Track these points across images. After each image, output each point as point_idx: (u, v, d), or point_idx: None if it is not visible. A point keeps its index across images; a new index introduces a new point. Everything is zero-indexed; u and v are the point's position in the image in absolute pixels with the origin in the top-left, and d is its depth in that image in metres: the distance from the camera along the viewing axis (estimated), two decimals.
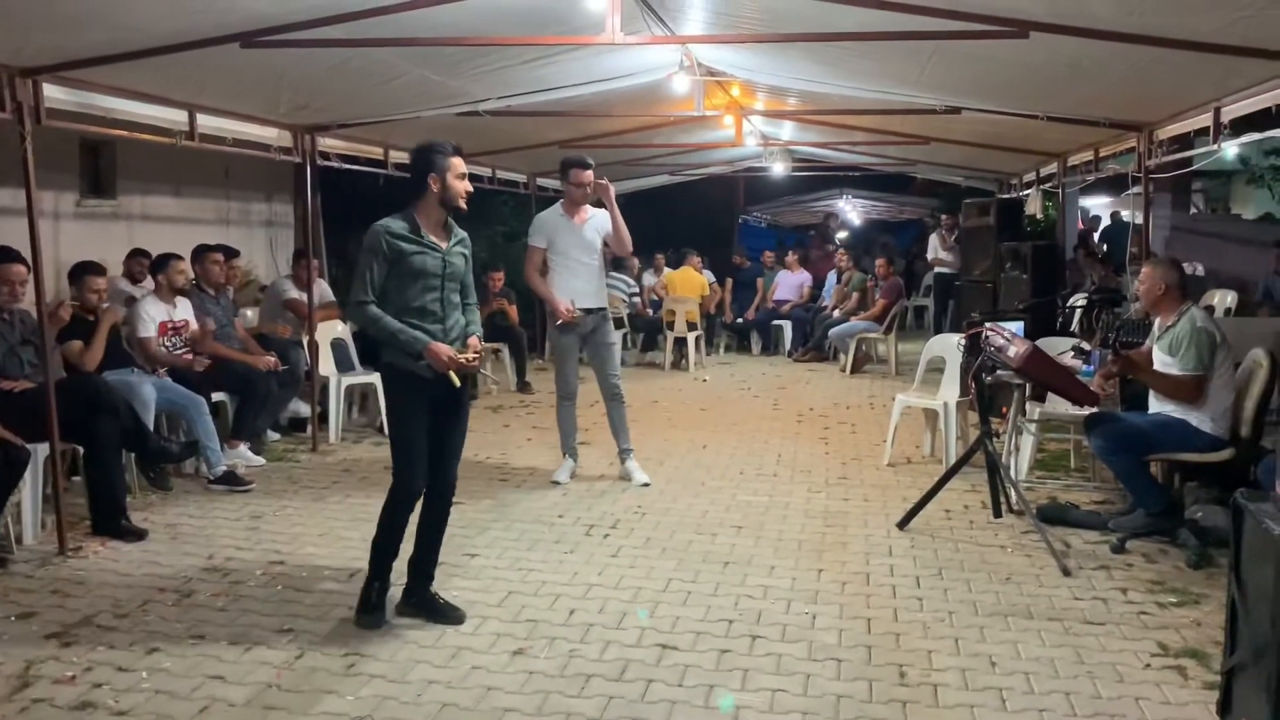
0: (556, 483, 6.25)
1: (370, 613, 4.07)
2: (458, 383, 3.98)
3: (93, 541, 5.09)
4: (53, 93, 4.97)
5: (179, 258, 6.74)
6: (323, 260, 10.07)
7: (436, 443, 4.05)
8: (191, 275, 7.00)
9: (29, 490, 5.04)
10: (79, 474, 5.45)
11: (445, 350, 3.94)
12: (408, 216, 4.02)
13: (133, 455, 5.75)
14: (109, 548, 5.03)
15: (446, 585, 4.52)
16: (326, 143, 7.52)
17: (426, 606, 4.13)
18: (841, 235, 14.76)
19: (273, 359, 7.00)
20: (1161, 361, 5.11)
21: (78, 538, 5.10)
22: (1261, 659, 2.92)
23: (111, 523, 5.19)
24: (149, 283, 7.91)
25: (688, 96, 7.68)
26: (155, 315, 6.48)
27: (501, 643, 3.91)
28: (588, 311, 6.16)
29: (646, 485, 6.17)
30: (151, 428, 5.80)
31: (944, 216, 13.97)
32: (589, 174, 6.05)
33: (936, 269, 13.56)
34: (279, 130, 6.98)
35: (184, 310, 6.69)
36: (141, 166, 8.90)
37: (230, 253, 7.86)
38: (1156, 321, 5.30)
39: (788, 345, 12.93)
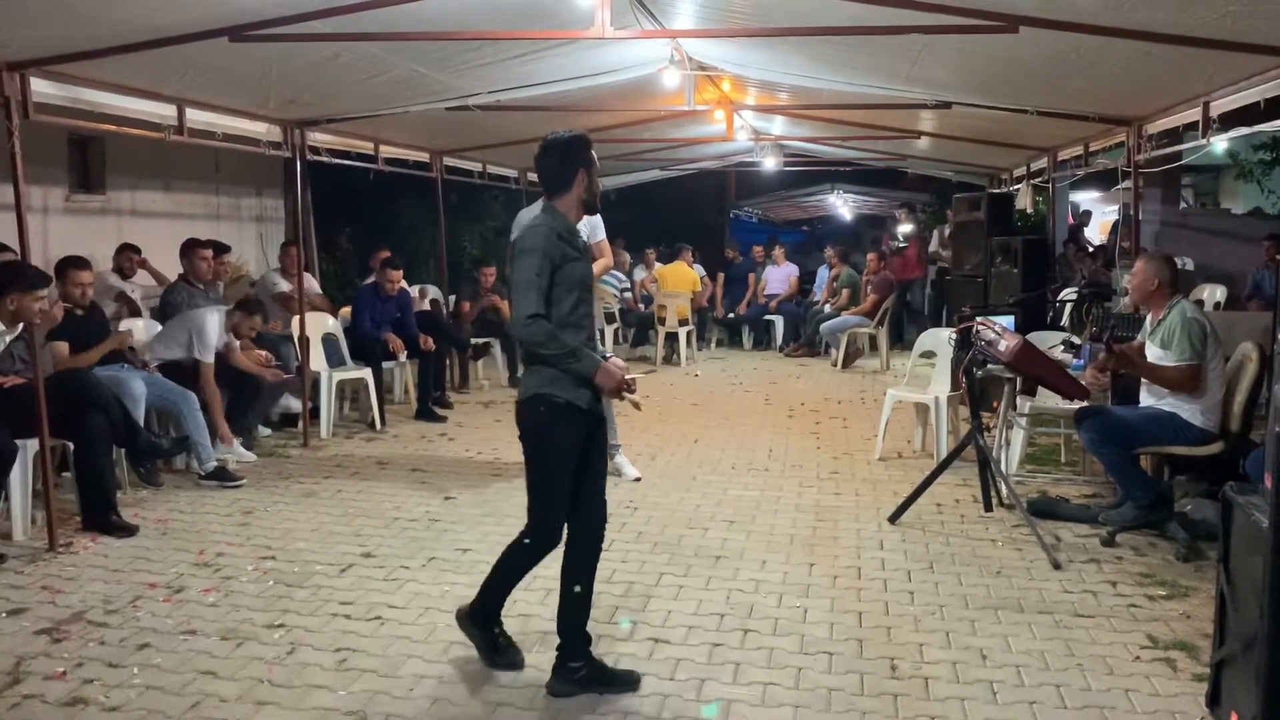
0: None
1: (506, 651, 3.65)
2: (640, 408, 3.56)
3: (83, 537, 5.08)
4: (41, 87, 4.95)
5: (250, 311, 6.94)
6: (313, 255, 10.06)
7: (584, 475, 3.50)
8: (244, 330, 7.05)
9: (18, 486, 5.03)
10: (69, 470, 5.43)
11: (619, 372, 3.44)
12: (556, 214, 3.48)
13: (123, 451, 5.73)
14: (99, 543, 5.01)
15: (439, 580, 4.53)
16: (316, 137, 7.49)
17: (598, 676, 3.49)
18: (907, 229, 14.54)
19: (275, 369, 7.00)
20: (1155, 355, 5.13)
21: (68, 534, 5.09)
22: (1250, 651, 2.94)
23: (102, 518, 5.17)
24: (140, 277, 7.93)
25: (678, 91, 7.68)
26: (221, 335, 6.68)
27: None
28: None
29: (637, 480, 6.16)
30: (142, 423, 5.78)
31: (948, 211, 13.97)
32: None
33: (939, 264, 13.54)
34: (269, 125, 6.96)
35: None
36: (131, 161, 8.87)
37: (220, 248, 7.84)
38: (1148, 317, 5.32)
39: (779, 340, 12.95)
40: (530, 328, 3.32)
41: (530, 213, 6.07)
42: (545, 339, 3.32)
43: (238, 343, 6.73)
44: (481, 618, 3.67)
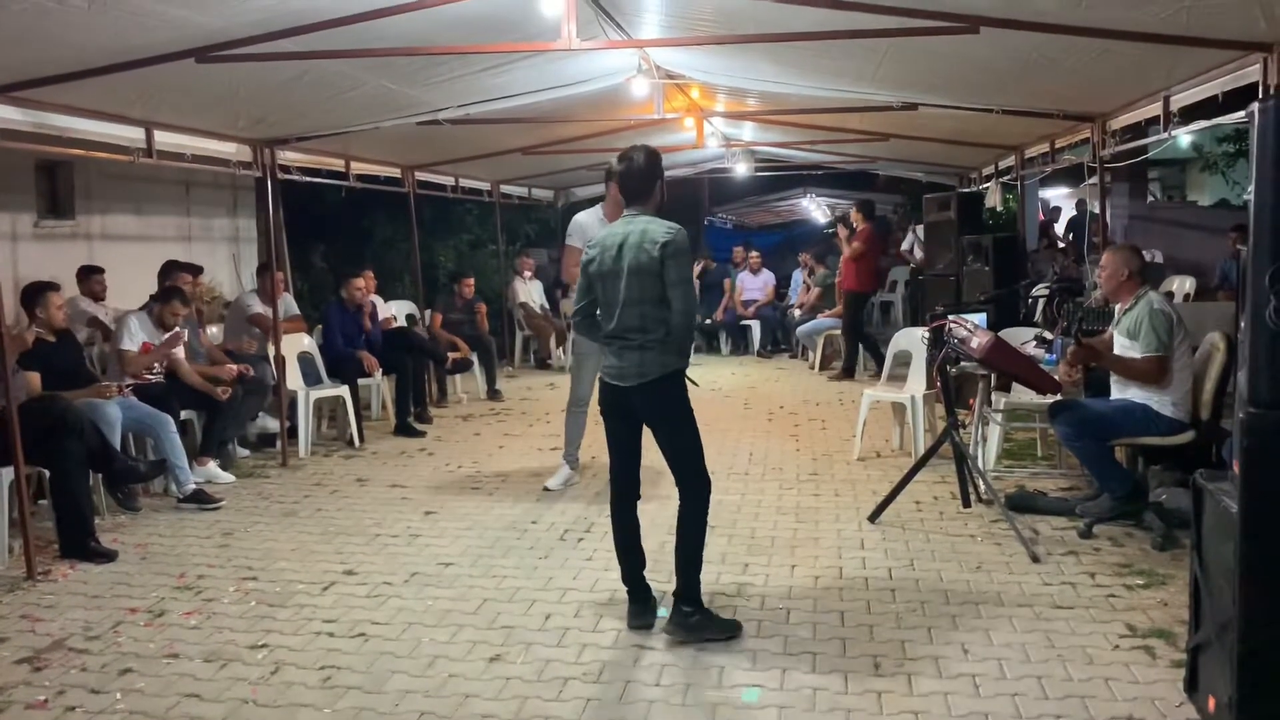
0: (547, 489, 6.18)
1: (731, 624, 4.03)
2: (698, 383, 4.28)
3: (62, 564, 5.04)
4: (5, 113, 4.93)
5: (182, 299, 6.74)
6: (286, 274, 10.02)
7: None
8: (185, 315, 6.89)
9: None
10: (46, 497, 5.39)
11: None
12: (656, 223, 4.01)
13: (100, 476, 5.69)
14: (78, 570, 4.98)
15: (422, 595, 4.53)
16: (287, 156, 7.48)
17: (708, 622, 4.00)
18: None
19: (238, 367, 6.96)
20: (1121, 345, 5.19)
21: (46, 561, 5.05)
22: (1225, 635, 2.98)
23: (80, 545, 5.13)
24: (112, 301, 7.88)
25: (647, 100, 7.71)
26: (139, 334, 6.49)
27: (478, 650, 3.91)
28: None
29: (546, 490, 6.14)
30: (118, 447, 5.73)
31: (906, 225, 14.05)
32: None
33: (911, 265, 13.61)
34: (238, 145, 6.94)
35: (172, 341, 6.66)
36: (100, 186, 8.83)
37: (194, 270, 7.81)
38: (1117, 308, 5.39)
39: (756, 345, 12.99)
40: (692, 319, 4.03)
41: (591, 215, 6.07)
42: (692, 328, 4.11)
43: (182, 354, 6.65)
44: (696, 594, 3.99)
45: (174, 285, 6.84)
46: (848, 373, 10.71)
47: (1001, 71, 6.01)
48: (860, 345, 10.86)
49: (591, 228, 6.03)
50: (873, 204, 12.53)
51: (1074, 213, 16.73)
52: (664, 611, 4.13)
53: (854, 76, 6.74)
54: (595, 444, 6.37)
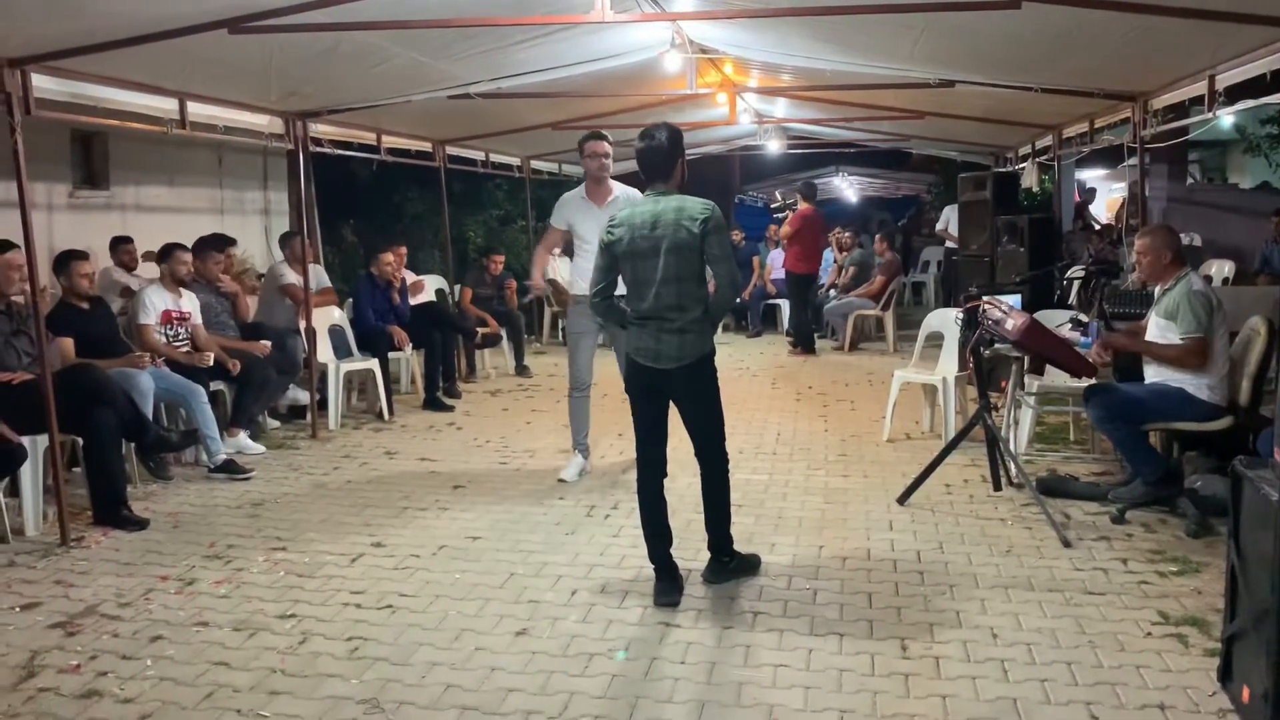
0: (562, 480, 5.95)
1: (755, 559, 4.44)
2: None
3: (94, 532, 5.11)
4: (42, 83, 4.95)
5: (183, 248, 6.70)
6: (318, 247, 10.06)
7: None
8: (192, 268, 6.88)
9: (30, 482, 5.05)
10: (79, 465, 5.45)
11: None
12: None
13: (132, 445, 5.75)
14: (111, 537, 5.04)
15: (449, 568, 4.54)
16: (319, 129, 7.49)
17: (741, 565, 4.37)
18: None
19: (267, 345, 6.99)
20: (1159, 326, 5.10)
21: (79, 528, 5.11)
22: (1262, 625, 2.93)
23: (113, 513, 5.19)
24: (142, 270, 7.94)
25: (680, 75, 7.65)
26: (157, 304, 6.47)
27: (504, 623, 3.92)
28: None
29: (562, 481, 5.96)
30: (150, 417, 5.79)
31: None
32: (604, 144, 5.83)
33: (948, 244, 13.45)
34: (270, 117, 6.95)
35: (189, 302, 6.67)
36: (134, 157, 8.87)
37: (226, 241, 7.82)
38: (1157, 289, 5.29)
39: (785, 324, 12.90)
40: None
41: (574, 195, 6.01)
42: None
43: (201, 323, 6.68)
44: (729, 545, 4.31)
45: (171, 243, 6.77)
46: (800, 347, 11.22)
47: (1042, 49, 5.90)
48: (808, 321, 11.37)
49: (572, 206, 5.95)
50: (814, 186, 12.36)
51: (1123, 195, 16.45)
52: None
53: (890, 52, 6.65)
54: (621, 423, 6.37)
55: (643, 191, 4.28)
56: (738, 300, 12.99)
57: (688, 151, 4.39)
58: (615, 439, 6.66)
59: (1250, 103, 5.75)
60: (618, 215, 4.19)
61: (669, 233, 3.97)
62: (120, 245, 7.97)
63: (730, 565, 4.30)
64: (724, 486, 4.27)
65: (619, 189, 5.93)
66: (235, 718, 3.23)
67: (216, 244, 7.34)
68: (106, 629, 3.92)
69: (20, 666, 3.60)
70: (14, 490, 5.10)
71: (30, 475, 5.04)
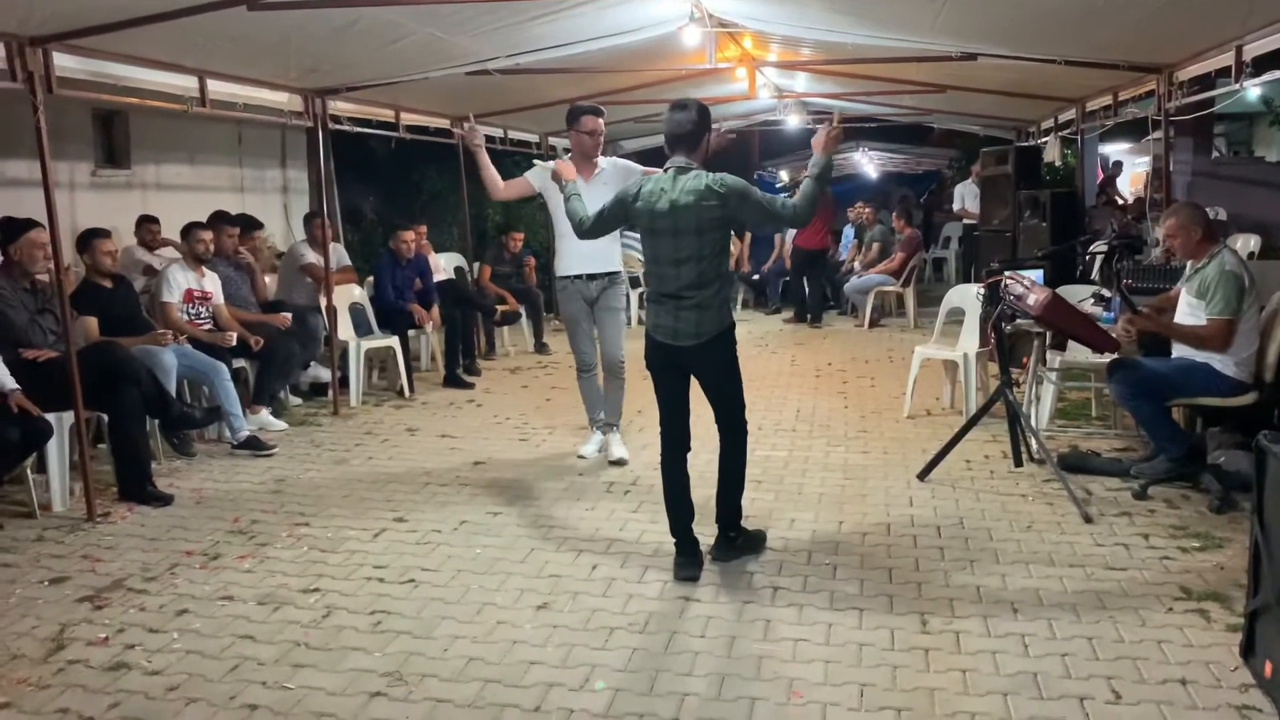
0: (582, 457, 5.96)
1: (760, 535, 4.47)
2: None
3: (120, 507, 5.16)
4: (63, 61, 4.96)
5: (203, 226, 6.75)
6: (337, 225, 10.08)
7: None
8: (210, 245, 6.90)
9: (56, 458, 5.11)
10: (105, 441, 5.51)
11: None
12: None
13: (156, 422, 5.80)
14: (136, 513, 5.10)
15: (470, 543, 4.57)
16: (338, 106, 7.48)
17: (748, 542, 4.40)
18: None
19: (288, 316, 7.03)
20: (1190, 305, 5.05)
21: (106, 504, 5.17)
22: None
23: (138, 488, 5.25)
24: (164, 250, 7.99)
25: (699, 49, 7.58)
26: (180, 283, 6.52)
27: (525, 598, 3.95)
28: (592, 277, 5.77)
29: (623, 462, 5.82)
30: (174, 394, 5.84)
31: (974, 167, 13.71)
32: (600, 121, 5.77)
33: (965, 221, 13.35)
34: (290, 94, 6.96)
35: (211, 282, 6.71)
36: (155, 136, 8.91)
37: (254, 224, 7.82)
38: (1189, 265, 5.23)
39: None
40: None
41: (550, 165, 5.91)
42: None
43: (222, 301, 6.72)
44: (737, 520, 4.35)
45: (191, 222, 6.81)
46: (800, 318, 11.78)
47: (1066, 20, 5.81)
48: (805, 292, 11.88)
49: (546, 177, 5.71)
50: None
51: (1147, 169, 16.24)
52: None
53: (911, 25, 6.57)
54: (641, 400, 6.37)
55: (663, 163, 4.24)
56: (754, 277, 13.13)
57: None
58: (635, 415, 6.66)
59: (1278, 73, 5.66)
60: (641, 190, 4.15)
61: (691, 214, 3.99)
62: (145, 224, 8.02)
63: (737, 542, 4.33)
64: (741, 456, 4.30)
65: (604, 161, 5.84)
66: (260, 690, 3.27)
67: (230, 218, 7.37)
68: (133, 603, 3.97)
69: (50, 639, 3.65)
70: (41, 466, 5.16)
71: (56, 452, 5.10)
